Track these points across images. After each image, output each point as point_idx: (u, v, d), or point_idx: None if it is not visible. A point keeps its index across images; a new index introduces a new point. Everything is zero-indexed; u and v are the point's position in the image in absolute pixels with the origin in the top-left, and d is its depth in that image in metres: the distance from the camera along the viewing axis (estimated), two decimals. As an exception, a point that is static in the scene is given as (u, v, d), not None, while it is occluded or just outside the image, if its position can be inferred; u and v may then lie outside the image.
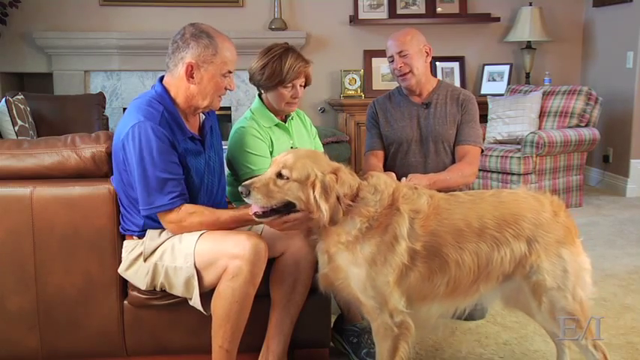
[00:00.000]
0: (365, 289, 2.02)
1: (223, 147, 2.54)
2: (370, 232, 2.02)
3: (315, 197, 1.98)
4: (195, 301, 2.15)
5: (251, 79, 2.71)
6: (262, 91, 2.71)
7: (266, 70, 2.60)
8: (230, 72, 2.22)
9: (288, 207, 2.04)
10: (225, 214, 2.18)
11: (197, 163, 2.24)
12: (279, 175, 2.02)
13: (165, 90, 2.21)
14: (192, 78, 2.17)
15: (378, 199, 2.05)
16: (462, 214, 2.08)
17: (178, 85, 2.19)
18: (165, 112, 2.15)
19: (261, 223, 2.14)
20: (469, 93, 3.05)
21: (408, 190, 2.10)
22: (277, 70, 2.58)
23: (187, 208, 2.14)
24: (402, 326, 2.04)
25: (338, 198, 2.00)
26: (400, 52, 2.90)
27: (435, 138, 2.96)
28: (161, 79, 2.25)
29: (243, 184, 2.03)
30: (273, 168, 2.06)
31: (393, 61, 2.95)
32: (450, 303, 2.13)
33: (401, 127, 2.99)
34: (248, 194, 2.01)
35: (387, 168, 2.96)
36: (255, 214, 2.05)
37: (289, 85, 2.61)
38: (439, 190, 2.26)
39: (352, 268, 2.03)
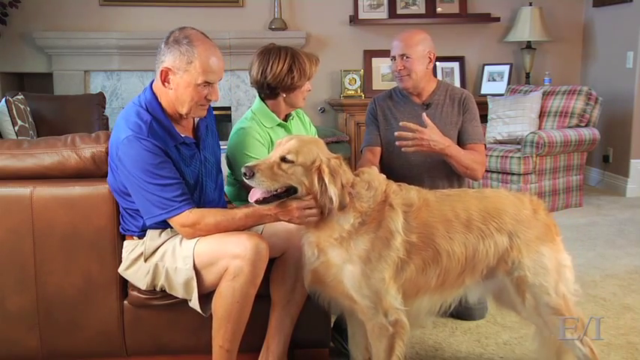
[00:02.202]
0: (360, 287, 2.02)
1: (222, 147, 2.53)
2: (363, 228, 2.03)
3: (322, 182, 1.99)
4: (194, 303, 2.15)
5: (274, 84, 2.60)
6: (281, 93, 2.64)
7: (294, 71, 2.58)
8: (208, 83, 2.14)
9: (289, 193, 2.04)
10: (239, 212, 2.14)
11: (191, 167, 2.21)
12: (284, 159, 2.01)
13: (155, 96, 2.18)
14: (168, 83, 2.13)
15: (371, 194, 2.06)
16: (450, 206, 2.14)
17: (161, 89, 2.17)
18: (153, 121, 2.12)
19: (263, 212, 2.09)
20: (467, 92, 3.07)
21: (396, 187, 2.14)
22: (304, 68, 2.60)
23: (198, 210, 2.12)
24: (397, 325, 2.05)
25: (342, 184, 2.00)
26: (403, 54, 2.91)
27: None
28: (152, 83, 2.22)
29: (247, 165, 2.02)
30: (276, 151, 2.04)
31: (394, 61, 2.96)
32: (438, 296, 2.16)
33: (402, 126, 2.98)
34: (252, 176, 1.99)
35: (387, 167, 2.96)
36: (256, 200, 2.04)
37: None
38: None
39: (346, 265, 2.02)
